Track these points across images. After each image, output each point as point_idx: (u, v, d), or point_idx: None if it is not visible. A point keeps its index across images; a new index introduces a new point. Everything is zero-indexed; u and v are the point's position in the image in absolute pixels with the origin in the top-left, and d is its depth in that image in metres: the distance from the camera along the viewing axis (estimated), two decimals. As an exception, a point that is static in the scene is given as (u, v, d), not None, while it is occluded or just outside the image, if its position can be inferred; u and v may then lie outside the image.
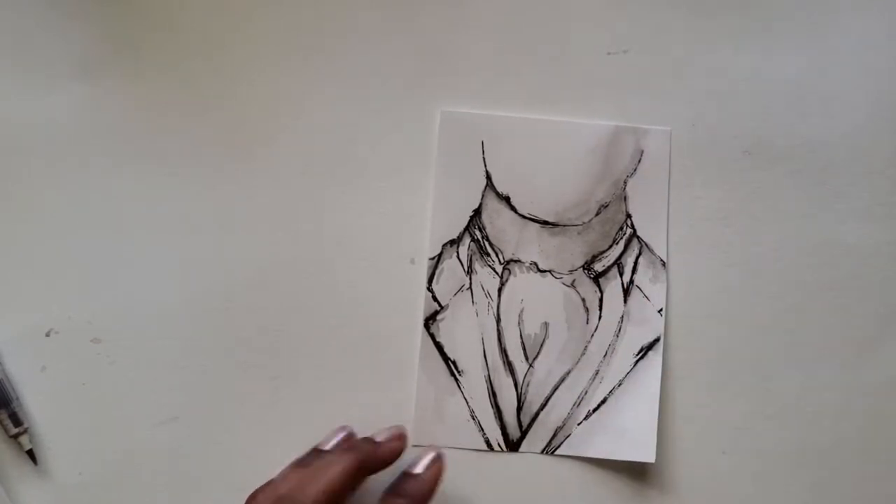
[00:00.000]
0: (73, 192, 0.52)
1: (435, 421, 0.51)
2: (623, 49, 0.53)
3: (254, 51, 0.53)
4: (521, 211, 0.53)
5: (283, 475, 0.46)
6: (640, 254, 0.53)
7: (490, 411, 0.52)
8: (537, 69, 0.53)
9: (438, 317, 0.52)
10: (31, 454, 0.50)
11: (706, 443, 0.52)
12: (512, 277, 0.52)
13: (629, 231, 0.53)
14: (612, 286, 0.52)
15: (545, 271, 0.52)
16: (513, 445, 0.52)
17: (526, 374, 0.52)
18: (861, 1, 0.54)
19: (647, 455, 0.51)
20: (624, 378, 0.52)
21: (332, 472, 0.45)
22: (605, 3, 0.54)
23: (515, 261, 0.52)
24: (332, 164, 0.53)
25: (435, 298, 0.52)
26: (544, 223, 0.53)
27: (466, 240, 0.53)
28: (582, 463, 0.52)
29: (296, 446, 0.51)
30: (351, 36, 0.53)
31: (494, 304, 0.52)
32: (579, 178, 0.53)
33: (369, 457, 0.47)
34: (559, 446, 0.52)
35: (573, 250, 0.53)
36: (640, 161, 0.53)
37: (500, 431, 0.52)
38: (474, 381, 0.52)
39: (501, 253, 0.53)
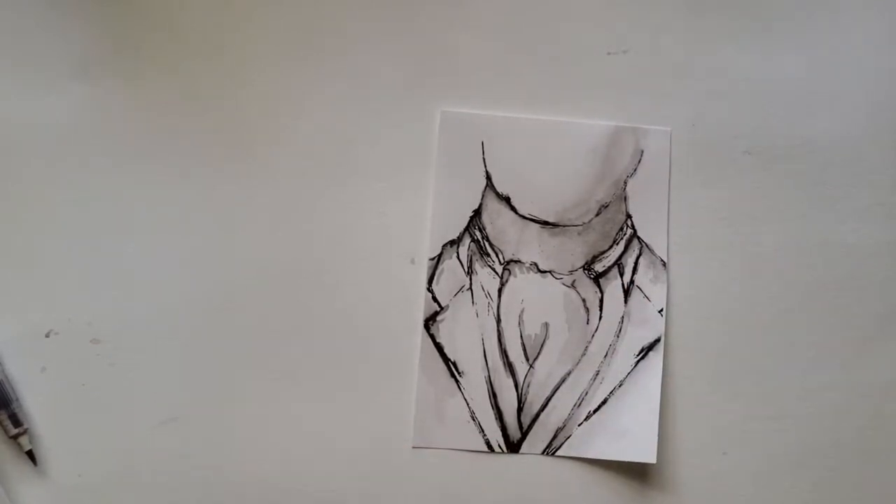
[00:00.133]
0: (73, 192, 0.52)
1: (435, 422, 0.51)
2: (623, 49, 0.53)
3: (254, 51, 0.53)
4: (521, 211, 0.52)
5: None
6: (640, 254, 0.53)
7: (490, 412, 0.52)
8: (537, 69, 0.53)
9: (438, 317, 0.52)
10: (30, 455, 0.50)
11: (707, 443, 0.52)
12: (512, 278, 0.52)
13: (629, 231, 0.53)
14: (613, 286, 0.52)
15: (545, 272, 0.52)
16: (513, 446, 0.52)
17: (526, 375, 0.52)
18: (861, 1, 0.54)
19: (648, 456, 0.51)
20: (624, 379, 0.52)
21: None
22: (605, 3, 0.54)
23: (515, 261, 0.52)
24: (332, 164, 0.53)
25: (435, 299, 0.52)
26: (544, 223, 0.53)
27: (466, 240, 0.52)
28: (583, 464, 0.52)
29: (296, 447, 0.51)
30: (351, 36, 0.53)
31: (494, 305, 0.52)
32: (579, 179, 0.53)
33: None
34: (560, 447, 0.52)
35: (573, 250, 0.52)
36: (640, 161, 0.53)
37: (500, 432, 0.52)
38: (474, 381, 0.52)
39: (501, 253, 0.52)
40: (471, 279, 0.52)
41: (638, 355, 0.52)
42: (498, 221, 0.53)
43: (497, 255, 0.52)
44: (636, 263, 0.53)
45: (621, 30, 0.53)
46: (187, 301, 0.52)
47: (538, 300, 0.52)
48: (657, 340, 0.52)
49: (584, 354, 0.52)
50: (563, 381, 0.52)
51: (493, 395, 0.52)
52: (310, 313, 0.52)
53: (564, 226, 0.53)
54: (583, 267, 0.52)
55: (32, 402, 0.51)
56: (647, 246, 0.53)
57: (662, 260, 0.52)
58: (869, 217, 0.53)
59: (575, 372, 0.52)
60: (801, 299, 0.53)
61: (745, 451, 0.52)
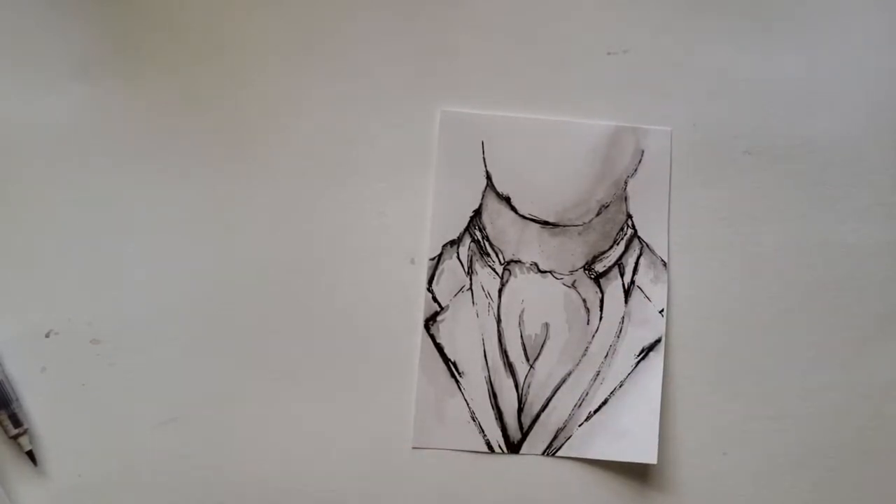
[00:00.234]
0: (73, 192, 0.52)
1: (435, 422, 0.51)
2: (623, 49, 0.53)
3: (254, 51, 0.53)
4: (521, 211, 0.52)
5: None
6: (640, 254, 0.53)
7: (491, 412, 0.52)
8: (537, 69, 0.53)
9: (439, 317, 0.52)
10: (30, 455, 0.50)
11: (707, 443, 0.52)
12: (512, 278, 0.52)
13: (630, 231, 0.53)
14: (613, 287, 0.52)
15: (546, 272, 0.52)
16: (513, 447, 0.52)
17: (527, 375, 0.52)
18: (861, 1, 0.54)
19: (648, 456, 0.51)
20: (625, 379, 0.52)
21: None
22: (605, 3, 0.54)
23: (516, 261, 0.52)
24: (332, 164, 0.53)
25: (435, 299, 0.52)
26: (545, 223, 0.52)
27: (467, 240, 0.52)
28: (583, 464, 0.52)
29: (296, 447, 0.51)
30: (351, 36, 0.53)
31: (495, 305, 0.52)
32: (580, 179, 0.53)
33: None
34: (560, 448, 0.52)
35: (574, 251, 0.52)
36: (640, 161, 0.53)
37: (500, 433, 0.52)
38: (475, 382, 0.52)
39: (502, 253, 0.52)
40: (471, 279, 0.52)
41: (638, 355, 0.52)
42: (498, 221, 0.53)
43: (497, 256, 0.52)
44: (637, 263, 0.52)
45: (621, 30, 0.53)
46: (187, 301, 0.52)
47: (538, 300, 0.52)
48: (658, 341, 0.52)
49: (584, 355, 0.52)
50: (563, 381, 0.52)
51: (494, 396, 0.52)
52: (310, 313, 0.52)
53: (565, 226, 0.52)
54: (583, 267, 0.52)
55: (32, 402, 0.51)
56: (647, 246, 0.53)
57: (663, 260, 0.52)
58: (869, 217, 0.53)
59: (575, 372, 0.52)
60: (801, 299, 0.53)
61: (745, 451, 0.52)
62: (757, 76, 0.54)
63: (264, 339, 0.52)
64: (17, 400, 0.50)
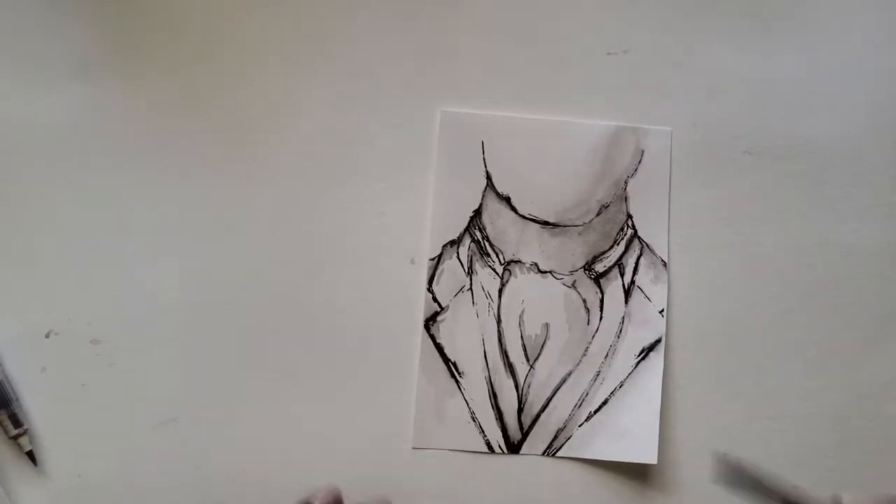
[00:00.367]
0: (73, 192, 0.52)
1: (435, 422, 0.51)
2: (623, 49, 0.53)
3: (254, 51, 0.53)
4: (521, 211, 0.52)
5: None
6: (641, 254, 0.52)
7: (491, 413, 0.52)
8: (538, 69, 0.53)
9: (439, 318, 0.52)
10: (30, 455, 0.50)
11: (707, 443, 0.52)
12: (512, 278, 0.52)
13: (630, 231, 0.53)
14: (613, 287, 0.52)
15: (546, 272, 0.52)
16: (514, 447, 0.52)
17: (527, 376, 0.52)
18: (861, 1, 0.54)
19: (648, 456, 0.51)
20: (625, 379, 0.52)
21: None
22: (605, 3, 0.54)
23: (516, 261, 0.52)
24: (332, 164, 0.53)
25: (435, 299, 0.52)
26: (545, 223, 0.52)
27: (467, 240, 0.52)
28: (583, 464, 0.52)
29: (295, 447, 0.51)
30: (351, 36, 0.53)
31: (495, 305, 0.52)
32: (580, 179, 0.53)
33: None
34: (560, 448, 0.51)
35: (574, 251, 0.52)
36: (640, 161, 0.53)
37: (500, 433, 0.51)
38: (475, 382, 0.52)
39: (502, 253, 0.52)
40: (471, 279, 0.52)
41: (639, 356, 0.52)
42: (498, 221, 0.52)
43: (497, 256, 0.52)
44: (637, 264, 0.52)
45: (622, 30, 0.53)
46: (187, 301, 0.52)
47: (539, 300, 0.52)
48: (658, 341, 0.52)
49: (584, 355, 0.52)
50: (563, 381, 0.52)
51: (494, 396, 0.52)
52: (310, 313, 0.52)
53: (565, 226, 0.52)
54: (583, 267, 0.52)
55: (32, 402, 0.51)
56: (647, 246, 0.53)
57: (663, 260, 0.52)
58: (869, 217, 0.53)
59: (575, 372, 0.52)
60: (801, 299, 0.53)
61: (745, 451, 0.52)
62: (757, 76, 0.54)
63: (264, 339, 0.52)
64: (17, 400, 0.50)
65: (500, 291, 0.52)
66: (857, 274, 0.53)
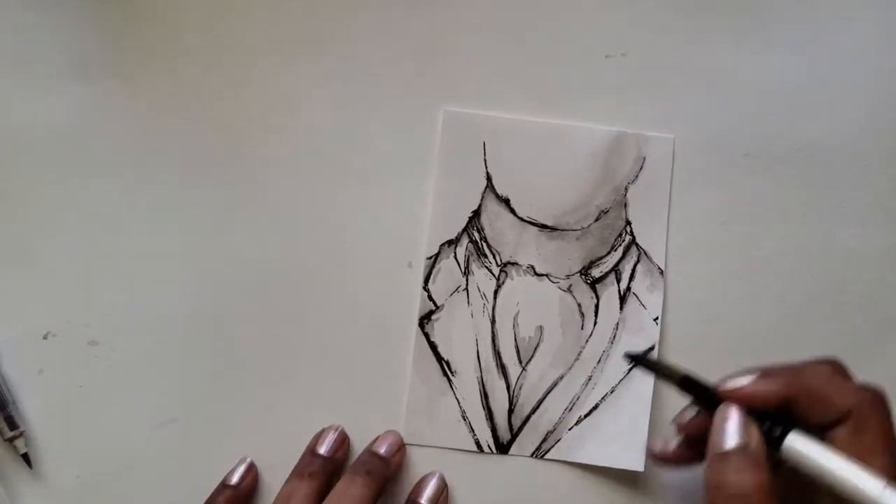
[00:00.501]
0: (72, 192, 0.52)
1: (426, 420, 0.52)
2: (622, 52, 0.53)
3: (255, 51, 0.53)
4: (520, 213, 0.52)
5: (299, 497, 0.47)
6: (638, 261, 0.52)
7: (481, 413, 0.52)
8: (539, 71, 0.53)
9: (433, 316, 0.52)
10: (26, 458, 0.50)
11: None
12: (508, 280, 0.52)
13: (628, 238, 0.52)
14: (609, 293, 0.52)
15: (542, 275, 0.52)
16: (503, 448, 0.52)
17: (519, 377, 0.52)
18: (861, 3, 0.53)
19: (636, 463, 0.51)
20: (617, 385, 0.52)
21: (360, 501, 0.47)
22: (602, 4, 0.53)
23: (513, 263, 0.52)
24: (332, 164, 0.53)
25: (430, 298, 0.52)
26: (543, 227, 0.52)
27: (464, 240, 0.52)
28: (571, 468, 0.52)
29: (293, 447, 0.51)
30: (354, 35, 0.53)
31: (490, 306, 0.52)
32: (580, 183, 0.52)
33: (386, 479, 0.49)
34: (549, 450, 0.52)
35: (571, 255, 0.52)
36: (641, 168, 0.52)
37: (490, 433, 0.52)
38: (467, 382, 0.52)
39: (499, 255, 0.52)
40: (467, 280, 0.52)
41: (631, 362, 0.52)
42: (497, 223, 0.52)
43: (494, 257, 0.52)
44: (633, 270, 0.52)
45: (619, 32, 0.53)
46: (185, 302, 0.52)
47: (534, 303, 0.52)
48: (651, 348, 0.52)
49: (577, 359, 0.52)
50: (555, 384, 0.52)
51: (485, 396, 0.52)
52: (309, 313, 0.52)
53: (563, 230, 0.52)
54: (580, 272, 0.52)
55: (30, 404, 0.51)
56: (645, 253, 0.52)
57: (660, 268, 0.52)
58: (870, 220, 0.53)
59: (567, 376, 0.52)
60: (801, 303, 0.52)
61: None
62: (756, 78, 0.53)
63: (262, 341, 0.52)
64: (14, 402, 0.51)
65: (496, 293, 0.52)
66: (857, 278, 0.53)
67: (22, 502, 0.51)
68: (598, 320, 0.52)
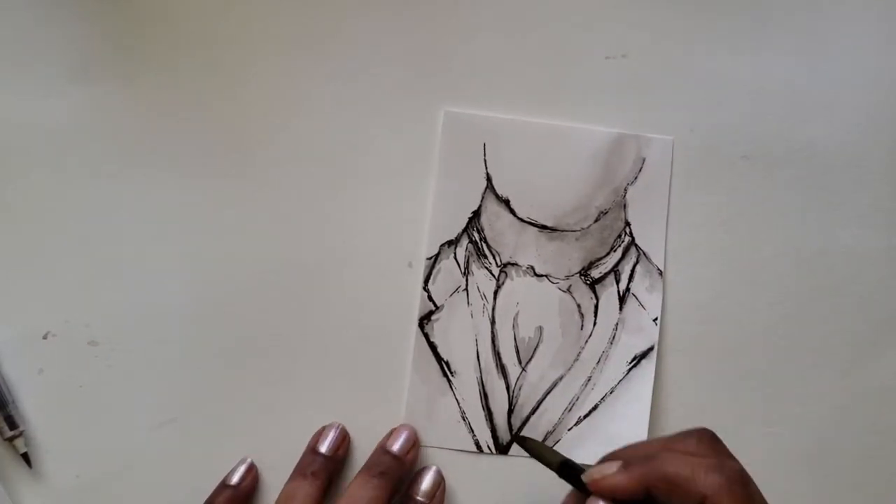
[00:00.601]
0: (72, 193, 0.52)
1: (425, 421, 0.52)
2: (621, 53, 0.53)
3: (255, 51, 0.53)
4: (520, 214, 0.52)
5: (302, 496, 0.47)
6: (637, 262, 0.52)
7: (481, 413, 0.52)
8: (539, 72, 0.53)
9: (433, 317, 0.52)
10: (25, 458, 0.50)
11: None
12: (508, 280, 0.52)
13: (628, 239, 0.52)
14: (608, 293, 0.52)
15: (542, 276, 0.52)
16: (502, 448, 0.52)
17: (518, 378, 0.52)
18: (860, 5, 0.54)
19: (635, 463, 0.51)
20: (616, 385, 0.52)
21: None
22: (602, 5, 0.53)
23: (512, 264, 0.52)
24: (333, 164, 0.53)
25: (430, 298, 0.52)
26: (543, 227, 0.52)
27: (464, 241, 0.53)
28: (571, 468, 0.52)
29: (293, 447, 0.51)
30: (354, 35, 0.53)
31: (490, 307, 0.52)
32: (579, 184, 0.52)
33: (400, 479, 0.49)
34: (548, 451, 0.52)
35: (570, 256, 0.52)
36: (641, 169, 0.52)
37: (490, 434, 0.52)
38: (466, 382, 0.52)
39: (499, 255, 0.53)
40: (467, 280, 0.52)
41: (630, 363, 0.52)
42: (497, 223, 0.53)
43: (494, 257, 0.53)
44: (633, 271, 0.52)
45: (619, 34, 0.53)
46: (185, 302, 0.52)
47: (533, 304, 0.52)
48: (650, 349, 0.52)
49: (576, 360, 0.52)
50: (554, 385, 0.52)
51: (485, 397, 0.52)
52: (309, 313, 0.52)
53: (563, 230, 0.52)
54: (579, 272, 0.52)
55: (29, 404, 0.51)
56: (644, 254, 0.52)
57: (659, 269, 0.52)
58: (868, 222, 0.53)
59: (567, 377, 0.52)
60: (799, 305, 0.53)
61: (740, 458, 0.52)
62: (755, 80, 0.53)
63: (262, 341, 0.52)
64: (14, 402, 0.51)
65: (496, 293, 0.52)
66: (856, 280, 0.53)
67: (22, 502, 0.51)
68: (597, 321, 0.52)
